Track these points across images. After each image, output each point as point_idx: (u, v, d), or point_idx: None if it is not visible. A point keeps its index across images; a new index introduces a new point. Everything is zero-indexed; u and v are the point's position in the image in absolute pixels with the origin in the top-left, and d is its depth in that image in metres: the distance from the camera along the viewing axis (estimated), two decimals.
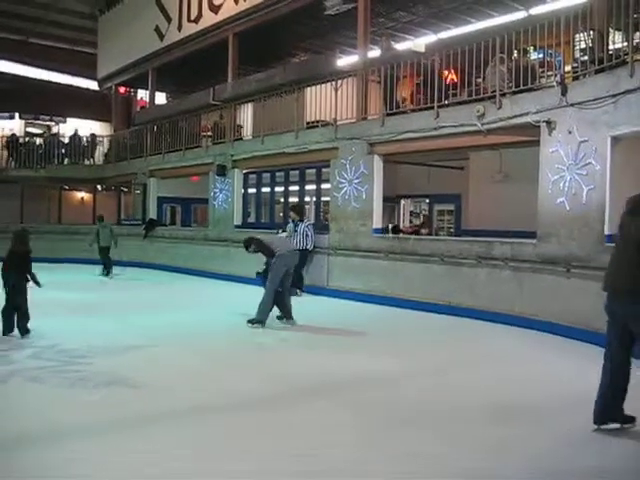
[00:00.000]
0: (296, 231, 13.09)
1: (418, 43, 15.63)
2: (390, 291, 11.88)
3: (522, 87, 9.89)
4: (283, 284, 9.56)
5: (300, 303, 11.05)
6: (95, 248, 17.47)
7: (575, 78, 9.41)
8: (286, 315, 9.67)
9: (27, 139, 25.11)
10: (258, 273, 10.40)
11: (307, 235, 13.15)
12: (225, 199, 16.74)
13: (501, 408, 5.55)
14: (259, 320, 9.32)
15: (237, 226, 16.38)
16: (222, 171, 16.54)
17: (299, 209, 13.76)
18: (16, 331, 8.25)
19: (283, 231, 14.29)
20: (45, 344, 7.85)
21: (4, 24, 24.91)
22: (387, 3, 16.01)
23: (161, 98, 24.89)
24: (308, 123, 14.97)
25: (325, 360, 7.39)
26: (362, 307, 11.78)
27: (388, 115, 12.35)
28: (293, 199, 16.07)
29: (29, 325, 8.30)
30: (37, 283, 8.41)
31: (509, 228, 11.71)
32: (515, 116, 9.83)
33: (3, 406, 5.48)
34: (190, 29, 19.42)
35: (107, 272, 17.17)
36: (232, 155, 16.48)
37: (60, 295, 12.78)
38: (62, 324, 9.45)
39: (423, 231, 14.36)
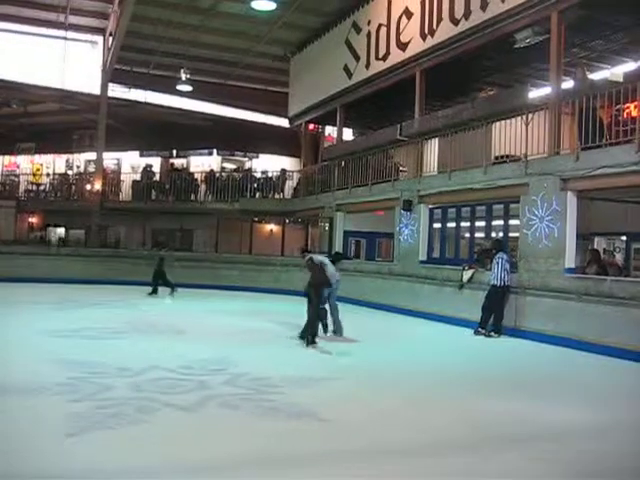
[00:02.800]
0: (498, 263, 12.66)
1: (616, 73, 14.91)
2: (583, 335, 11.23)
3: None
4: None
5: (494, 345, 10.82)
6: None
7: None
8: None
9: (223, 174, 26.82)
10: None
11: (506, 270, 12.66)
12: (411, 234, 16.78)
13: None
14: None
15: (422, 261, 16.35)
16: (408, 206, 16.64)
17: (498, 242, 13.42)
18: None
19: (470, 267, 14.13)
20: (238, 372, 8.21)
21: (207, 69, 26.91)
22: (583, 32, 15.40)
23: (348, 134, 25.55)
24: (496, 158, 14.70)
25: (520, 408, 7.12)
26: (553, 351, 11.28)
27: (583, 149, 11.83)
28: (479, 235, 15.78)
29: None
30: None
31: None
32: None
33: (200, 431, 5.76)
34: (378, 67, 19.84)
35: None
36: (418, 190, 16.53)
37: (250, 323, 13.49)
38: (253, 352, 9.91)
39: (588, 270, 13.13)
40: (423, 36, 17.56)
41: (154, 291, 19.01)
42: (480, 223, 15.88)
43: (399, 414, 6.71)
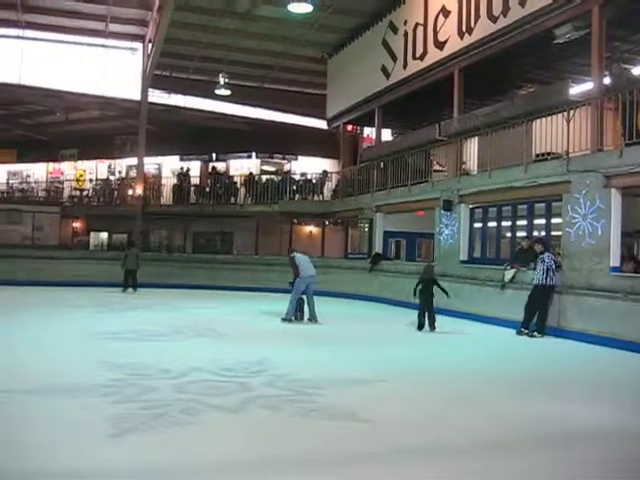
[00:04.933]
0: (543, 262, 12.44)
1: None
2: (628, 335, 10.97)
3: None
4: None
5: (537, 345, 10.67)
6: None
7: None
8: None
9: (262, 176, 26.98)
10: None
11: (551, 269, 12.38)
12: (451, 234, 16.67)
13: None
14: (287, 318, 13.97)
15: (463, 261, 16.22)
16: (448, 206, 16.53)
17: (543, 241, 13.21)
18: None
19: (512, 267, 13.95)
20: (278, 373, 8.22)
21: (245, 73, 27.08)
22: (625, 26, 15.13)
23: (386, 135, 25.48)
24: (537, 155, 14.51)
25: (564, 409, 6.99)
26: (598, 351, 11.08)
27: (627, 145, 11.60)
28: (521, 234, 15.59)
29: None
30: (446, 293, 13.23)
31: None
32: None
33: (244, 432, 5.79)
34: (415, 66, 19.75)
35: (125, 289, 20.58)
36: (458, 190, 16.41)
37: (289, 325, 13.60)
38: (293, 354, 9.95)
39: (624, 268, 12.68)
40: (461, 34, 17.44)
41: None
42: (522, 222, 15.69)
43: (441, 414, 6.66)
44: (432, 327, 12.93)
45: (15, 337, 10.96)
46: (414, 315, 13.21)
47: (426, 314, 13.05)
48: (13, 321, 13.20)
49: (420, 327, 13.05)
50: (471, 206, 16.52)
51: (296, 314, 14.18)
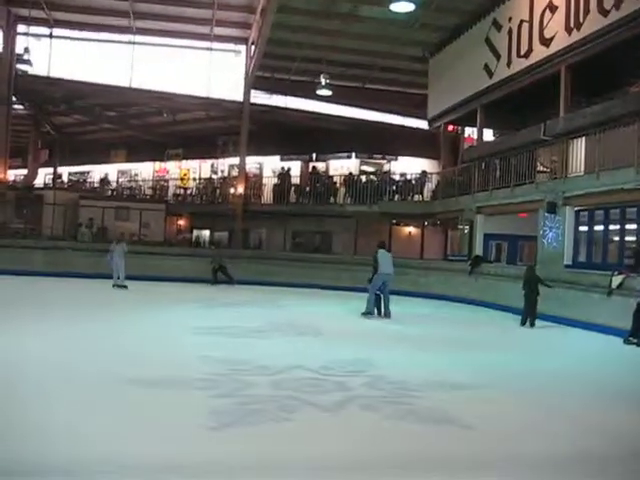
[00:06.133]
0: None
1: None
2: None
3: None
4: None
5: None
6: None
7: None
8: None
9: (361, 176, 27.00)
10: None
11: None
12: (555, 237, 16.13)
13: None
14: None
15: (567, 266, 15.67)
16: (552, 208, 16.01)
17: None
18: None
19: (620, 273, 13.37)
20: (377, 374, 8.20)
21: (344, 73, 27.16)
22: None
23: (488, 135, 24.96)
24: None
25: None
26: None
27: None
28: (630, 238, 14.92)
29: None
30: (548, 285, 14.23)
31: None
32: None
33: (341, 431, 5.79)
34: (520, 64, 19.22)
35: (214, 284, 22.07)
36: (563, 192, 15.87)
37: (388, 326, 13.53)
38: (392, 355, 9.88)
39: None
40: (568, 30, 16.83)
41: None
42: (631, 226, 15.01)
43: (541, 424, 6.43)
44: (532, 324, 14.17)
45: (120, 331, 11.41)
46: (516, 319, 12.92)
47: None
48: (118, 315, 13.79)
49: (523, 323, 14.28)
50: (576, 208, 15.95)
51: (374, 309, 14.88)
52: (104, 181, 35.08)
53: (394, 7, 18.86)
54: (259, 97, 28.84)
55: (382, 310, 14.89)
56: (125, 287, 19.60)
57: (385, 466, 4.97)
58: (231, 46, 28.01)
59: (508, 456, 5.34)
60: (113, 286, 19.70)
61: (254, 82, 27.47)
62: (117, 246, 20.26)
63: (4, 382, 6.98)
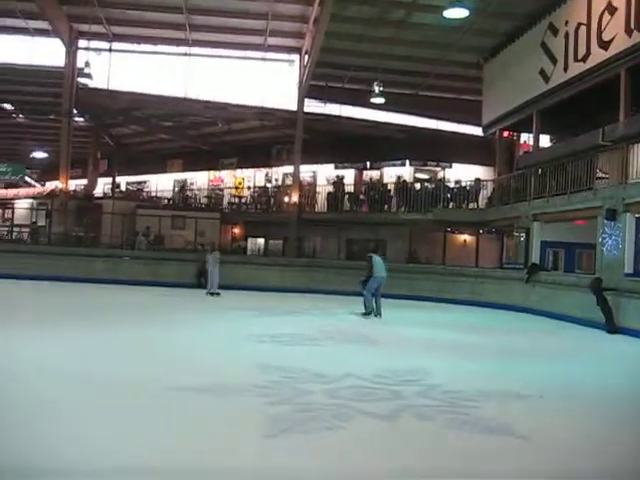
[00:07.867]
0: None
1: None
2: None
3: None
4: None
5: None
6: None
7: None
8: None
9: (415, 184, 26.86)
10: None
11: None
12: (615, 244, 15.74)
13: None
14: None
15: (628, 274, 15.27)
16: (612, 215, 15.64)
17: None
18: None
19: None
20: (432, 383, 8.12)
21: (399, 80, 27.12)
22: None
23: (545, 141, 24.56)
24: None
25: None
26: None
27: None
28: None
29: None
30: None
31: None
32: None
33: (396, 440, 5.75)
34: (577, 69, 18.88)
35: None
36: (624, 199, 15.49)
37: (442, 335, 13.36)
38: (447, 364, 9.75)
39: None
40: (629, 32, 16.43)
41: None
42: None
43: (601, 437, 6.25)
44: (608, 331, 14.61)
45: (177, 337, 11.59)
46: (574, 329, 12.62)
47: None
48: (176, 322, 14.01)
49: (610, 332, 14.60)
50: (637, 215, 15.54)
51: (371, 309, 15.95)
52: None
53: (448, 14, 18.74)
54: (313, 106, 28.96)
55: (375, 310, 16.00)
56: (218, 294, 20.48)
57: (438, 476, 4.93)
58: (285, 56, 28.25)
59: (562, 470, 5.22)
60: (206, 294, 20.58)
61: (308, 91, 27.63)
62: (210, 256, 21.12)
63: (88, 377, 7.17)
